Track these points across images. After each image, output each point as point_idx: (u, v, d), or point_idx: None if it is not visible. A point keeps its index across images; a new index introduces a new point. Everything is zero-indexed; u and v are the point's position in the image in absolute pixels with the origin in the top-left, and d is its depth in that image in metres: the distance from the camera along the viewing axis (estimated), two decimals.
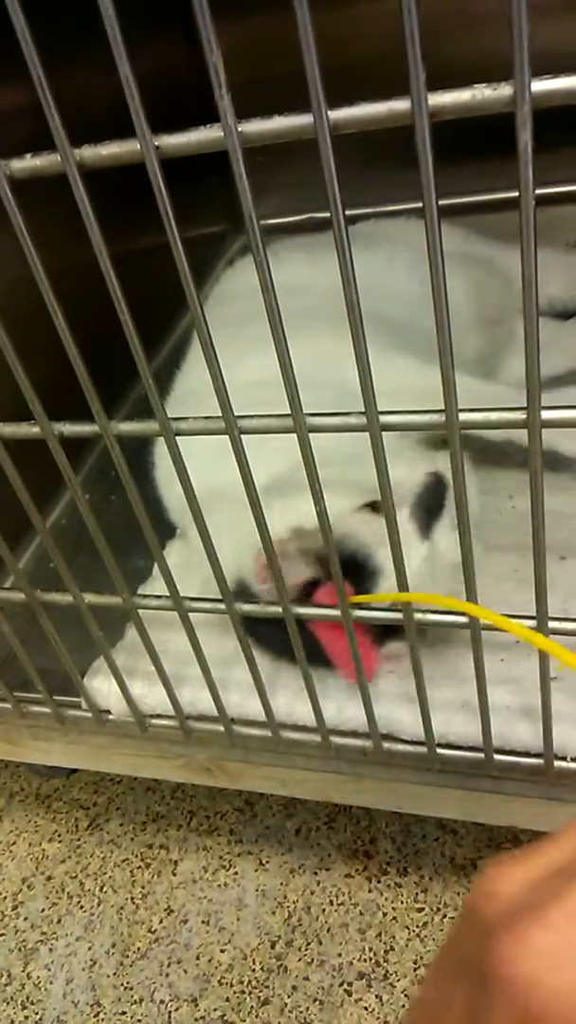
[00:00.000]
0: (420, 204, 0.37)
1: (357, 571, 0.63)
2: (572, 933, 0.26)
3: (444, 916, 0.80)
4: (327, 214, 0.38)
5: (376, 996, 0.77)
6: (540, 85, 0.32)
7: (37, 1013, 0.84)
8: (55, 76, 0.37)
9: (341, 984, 0.78)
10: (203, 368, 0.46)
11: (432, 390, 0.40)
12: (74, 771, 1.06)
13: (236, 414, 0.47)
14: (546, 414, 0.41)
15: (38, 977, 0.87)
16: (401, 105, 0.34)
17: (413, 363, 0.74)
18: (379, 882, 0.85)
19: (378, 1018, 0.75)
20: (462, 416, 0.42)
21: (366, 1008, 0.76)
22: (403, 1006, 0.76)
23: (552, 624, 0.51)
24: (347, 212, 1.12)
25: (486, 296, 0.95)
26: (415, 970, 0.78)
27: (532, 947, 0.26)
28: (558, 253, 1.10)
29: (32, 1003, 0.85)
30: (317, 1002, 0.78)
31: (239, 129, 0.36)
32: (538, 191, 1.28)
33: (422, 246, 0.37)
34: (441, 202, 1.24)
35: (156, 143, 0.38)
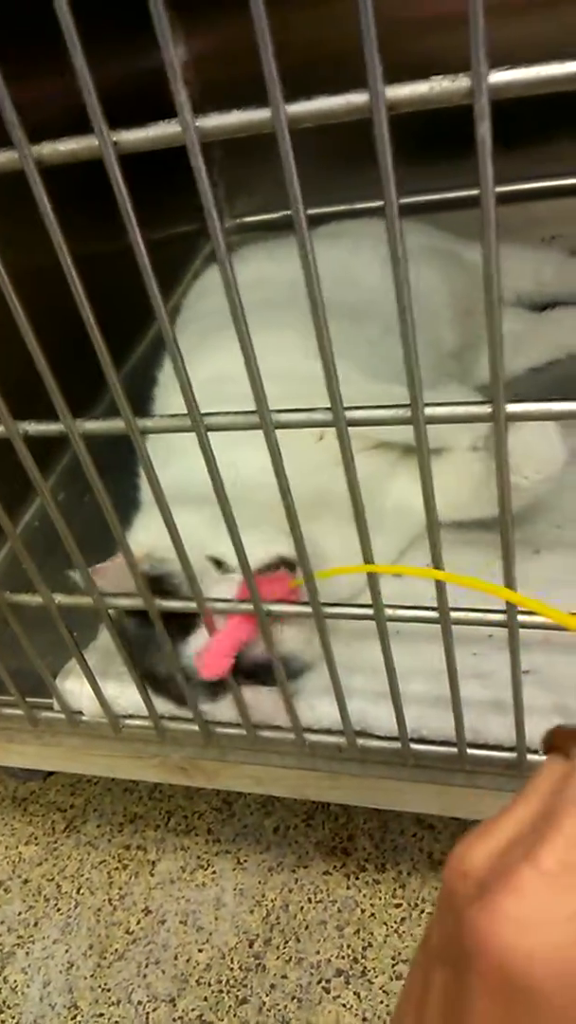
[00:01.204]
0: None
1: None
2: (541, 894, 0.26)
3: (422, 912, 0.81)
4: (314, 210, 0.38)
5: (354, 993, 0.77)
6: (497, 76, 0.32)
7: (14, 1017, 0.84)
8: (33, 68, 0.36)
9: (319, 982, 0.78)
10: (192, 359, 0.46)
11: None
12: (51, 774, 1.06)
13: (220, 406, 0.46)
14: (511, 407, 0.40)
15: (15, 981, 0.87)
16: (359, 98, 0.34)
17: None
18: (357, 879, 0.85)
19: (356, 1015, 0.75)
20: (427, 411, 0.42)
21: (344, 1005, 0.76)
22: (381, 1002, 0.76)
23: (522, 617, 0.51)
24: (321, 210, 1.13)
25: (456, 288, 0.96)
26: (393, 966, 0.78)
27: (502, 915, 0.26)
28: (532, 250, 1.10)
29: (9, 1007, 0.85)
30: (295, 1000, 0.78)
31: (196, 124, 0.36)
32: (516, 187, 1.28)
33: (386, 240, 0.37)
34: (414, 199, 1.24)
35: (114, 139, 0.38)
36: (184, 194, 0.38)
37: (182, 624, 0.64)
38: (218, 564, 0.70)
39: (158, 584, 0.64)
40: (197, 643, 0.64)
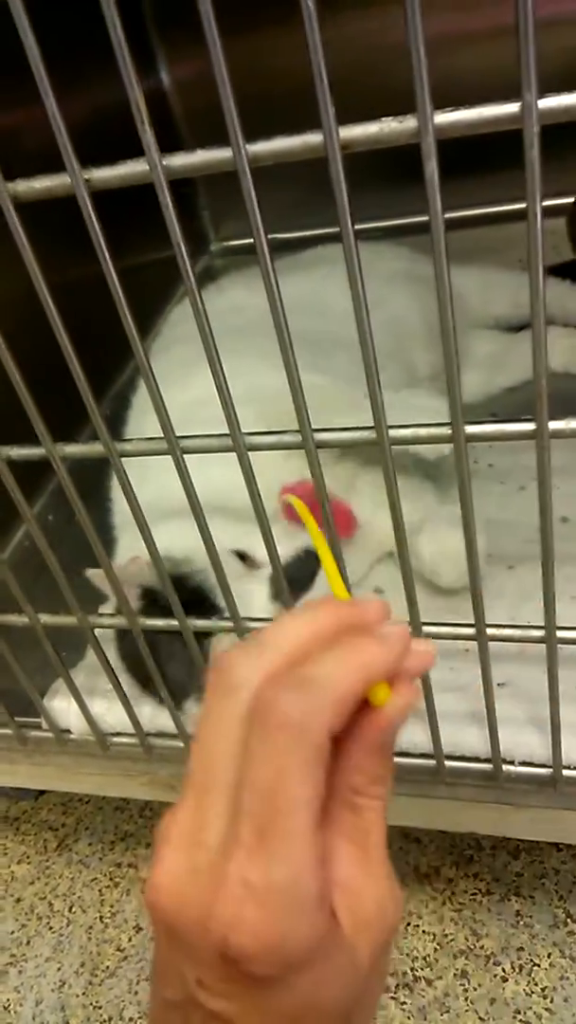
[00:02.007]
0: (373, 224, 0.39)
1: (197, 604, 0.67)
2: (172, 858, 0.30)
3: (408, 924, 0.81)
4: (288, 234, 0.40)
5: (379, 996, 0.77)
6: (443, 117, 0.34)
7: None
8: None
9: None
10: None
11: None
12: (42, 793, 1.07)
13: (194, 431, 0.48)
14: (470, 428, 0.42)
15: (7, 1000, 0.87)
16: (314, 139, 0.36)
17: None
18: None
19: None
20: (391, 432, 0.44)
21: None
22: None
23: (491, 631, 0.52)
24: (302, 233, 1.15)
25: (433, 312, 0.97)
26: None
27: (154, 872, 0.30)
28: (508, 272, 1.13)
29: None
30: None
31: (163, 163, 0.38)
32: (491, 209, 1.30)
33: (367, 265, 0.39)
34: (387, 223, 1.25)
35: (86, 176, 0.39)
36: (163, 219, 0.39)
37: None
38: (242, 558, 0.72)
39: (179, 582, 0.67)
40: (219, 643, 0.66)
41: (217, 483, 0.55)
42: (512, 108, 0.33)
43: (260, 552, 0.60)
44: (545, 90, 0.33)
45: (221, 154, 0.37)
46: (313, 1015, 0.29)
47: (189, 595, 0.66)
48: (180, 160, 0.38)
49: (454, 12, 1.12)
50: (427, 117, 0.34)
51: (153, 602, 0.68)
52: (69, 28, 0.78)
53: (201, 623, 0.60)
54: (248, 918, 0.28)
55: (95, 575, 0.64)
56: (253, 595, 0.70)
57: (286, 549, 0.70)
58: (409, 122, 0.34)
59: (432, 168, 0.35)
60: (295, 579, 0.69)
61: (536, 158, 0.33)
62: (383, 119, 0.35)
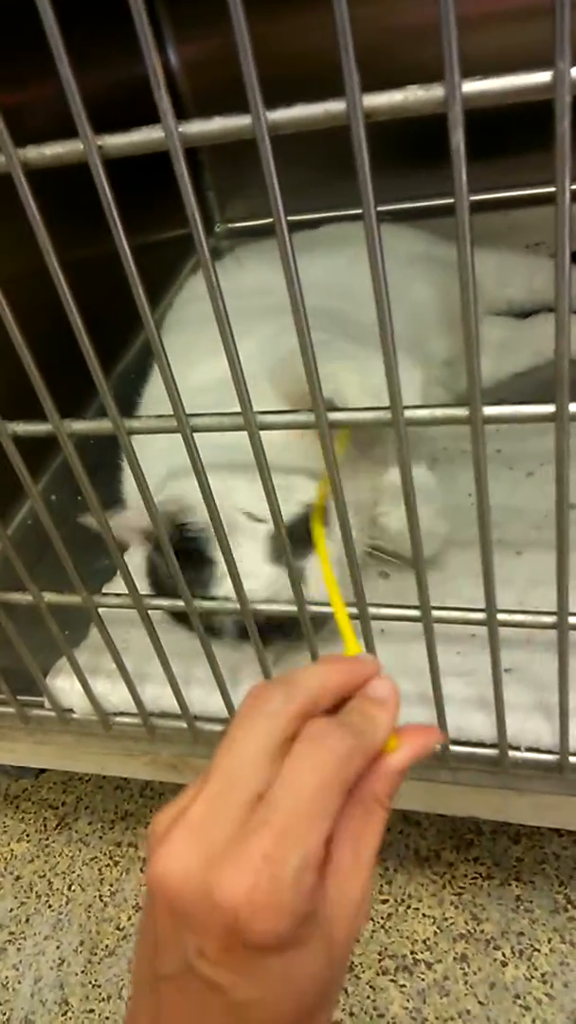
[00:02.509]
0: (389, 207, 0.38)
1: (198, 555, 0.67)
2: (184, 842, 0.34)
3: (408, 908, 0.81)
4: (297, 216, 0.39)
5: (342, 988, 0.78)
6: (472, 86, 0.33)
7: (4, 1013, 0.84)
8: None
9: None
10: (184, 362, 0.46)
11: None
12: (43, 771, 1.07)
13: (205, 409, 0.47)
14: (488, 410, 0.41)
15: (6, 977, 0.87)
16: (337, 106, 0.35)
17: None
18: None
19: (343, 1010, 0.76)
20: (407, 413, 0.43)
21: None
22: (368, 998, 0.76)
23: (501, 616, 0.51)
24: (317, 215, 1.13)
25: (451, 296, 0.97)
26: (380, 962, 0.78)
27: (162, 853, 0.34)
28: (525, 256, 1.11)
29: (0, 1003, 0.85)
30: None
31: (179, 130, 0.37)
32: (501, 194, 1.29)
33: (387, 248, 0.38)
34: (406, 205, 1.24)
35: (99, 143, 0.38)
36: (177, 198, 0.38)
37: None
38: (252, 518, 0.71)
39: (182, 532, 0.68)
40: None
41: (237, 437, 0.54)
42: (544, 77, 0.32)
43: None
44: None
45: (239, 121, 0.36)
46: (297, 987, 0.33)
47: (189, 545, 0.68)
48: (197, 127, 0.37)
49: None
50: (455, 84, 0.33)
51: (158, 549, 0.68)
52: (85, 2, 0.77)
53: (208, 604, 0.60)
54: (262, 887, 0.31)
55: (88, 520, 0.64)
56: (250, 554, 0.69)
57: (288, 505, 0.69)
58: (436, 90, 0.33)
59: (459, 139, 0.34)
60: (300, 537, 0.68)
61: (567, 130, 0.32)
62: (408, 87, 0.34)
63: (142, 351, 1.15)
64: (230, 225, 1.48)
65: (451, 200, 0.35)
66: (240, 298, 0.88)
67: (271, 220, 0.39)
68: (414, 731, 0.41)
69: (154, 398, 0.92)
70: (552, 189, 0.34)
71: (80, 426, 0.51)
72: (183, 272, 1.28)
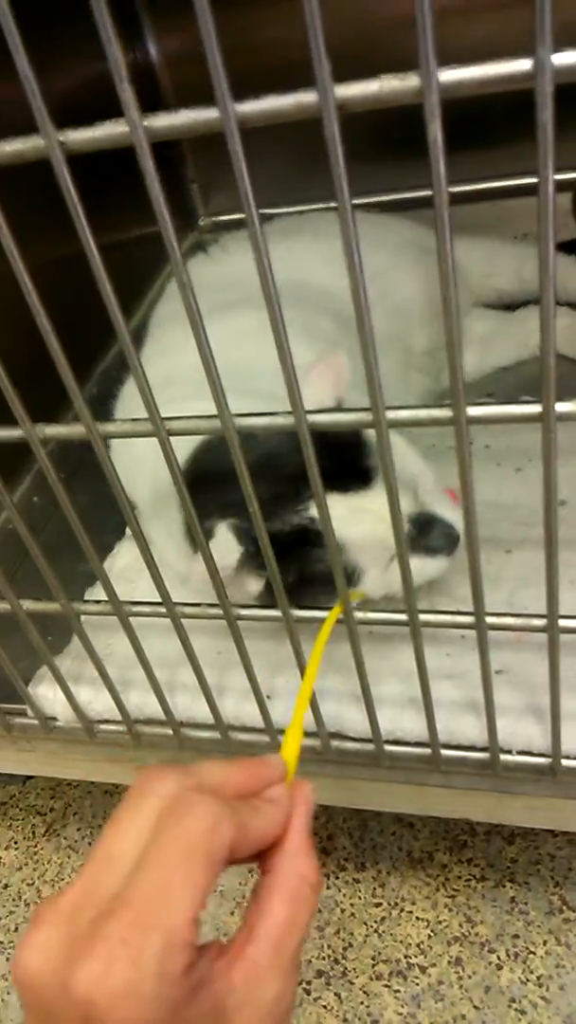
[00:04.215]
0: (379, 197, 0.36)
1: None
2: (47, 929, 0.32)
3: (401, 911, 0.80)
4: (276, 210, 0.37)
5: (335, 994, 0.76)
6: (449, 75, 0.31)
7: None
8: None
9: (300, 984, 0.78)
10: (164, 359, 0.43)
11: None
12: (30, 777, 1.05)
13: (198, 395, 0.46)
14: (472, 410, 0.40)
15: None
16: (308, 97, 0.33)
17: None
18: (337, 878, 0.85)
19: (337, 1016, 0.75)
20: (389, 415, 0.41)
21: (325, 1007, 0.76)
22: (362, 1003, 0.75)
23: (490, 619, 0.50)
24: (295, 208, 1.10)
25: (434, 287, 0.95)
26: (373, 966, 0.77)
27: (24, 944, 0.32)
28: (507, 245, 1.10)
29: None
30: None
31: (144, 124, 0.35)
32: (490, 184, 1.27)
33: (371, 238, 0.36)
34: (397, 196, 1.22)
35: (61, 139, 0.37)
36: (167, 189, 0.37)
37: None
38: None
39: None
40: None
41: (245, 361, 0.52)
42: (524, 65, 0.31)
43: None
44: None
45: (207, 114, 0.34)
46: None
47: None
48: (163, 121, 0.35)
49: None
50: (431, 73, 0.31)
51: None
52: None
53: (191, 610, 0.58)
54: (119, 975, 0.29)
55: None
56: None
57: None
58: (411, 80, 0.32)
59: (436, 131, 0.32)
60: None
61: (549, 120, 0.31)
62: (383, 76, 0.32)
63: (134, 345, 1.13)
64: (214, 219, 1.46)
65: (449, 190, 0.34)
66: (225, 288, 0.86)
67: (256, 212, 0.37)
68: (295, 796, 0.39)
69: (131, 393, 0.90)
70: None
71: (53, 431, 0.49)
72: (165, 268, 1.26)
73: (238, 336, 0.66)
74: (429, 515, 0.66)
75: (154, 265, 1.24)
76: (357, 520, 0.63)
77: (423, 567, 0.66)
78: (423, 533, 0.66)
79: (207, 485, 0.61)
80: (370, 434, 0.63)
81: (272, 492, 0.56)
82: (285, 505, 0.63)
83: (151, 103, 0.35)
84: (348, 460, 0.64)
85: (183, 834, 0.32)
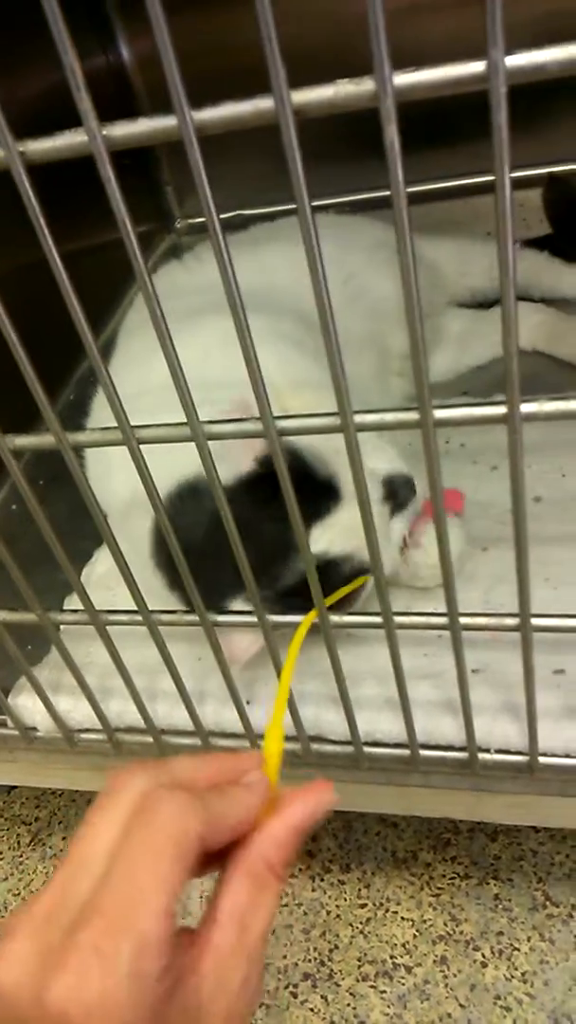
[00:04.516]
0: (351, 197, 0.36)
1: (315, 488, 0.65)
2: (21, 936, 0.31)
3: (387, 911, 0.80)
4: (253, 211, 0.37)
5: (321, 996, 0.76)
6: (403, 78, 0.32)
7: None
8: None
9: (287, 987, 0.78)
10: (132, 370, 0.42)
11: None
12: (14, 787, 1.04)
13: (168, 405, 0.45)
14: (439, 413, 0.40)
15: None
16: (265, 103, 0.33)
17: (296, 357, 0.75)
18: (322, 880, 0.85)
19: (324, 1018, 0.75)
20: (356, 419, 0.41)
21: (312, 1009, 0.76)
22: (348, 1005, 0.75)
23: (464, 620, 0.50)
24: (273, 209, 1.10)
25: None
26: (359, 967, 0.77)
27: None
28: (478, 243, 1.10)
29: None
30: (263, 1007, 0.77)
31: (104, 133, 0.35)
32: (459, 182, 1.27)
33: (344, 240, 0.36)
34: (367, 195, 1.22)
35: (21, 148, 0.37)
36: (134, 195, 0.37)
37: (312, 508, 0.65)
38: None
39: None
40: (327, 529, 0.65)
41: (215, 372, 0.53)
42: (478, 67, 0.31)
43: None
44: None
45: (166, 122, 0.34)
46: None
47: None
48: (122, 130, 0.35)
49: None
50: (386, 77, 0.31)
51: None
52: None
53: (168, 617, 0.58)
54: (93, 986, 0.28)
55: None
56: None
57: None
58: (366, 84, 0.32)
59: (392, 134, 0.32)
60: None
61: (504, 122, 0.31)
62: (338, 81, 0.32)
63: (105, 352, 1.12)
64: (190, 221, 1.45)
65: (422, 188, 0.34)
66: (202, 293, 0.86)
67: (232, 215, 0.37)
68: (303, 791, 0.38)
69: (103, 400, 0.90)
70: (515, 175, 0.32)
71: (24, 441, 0.49)
72: (151, 263, 1.26)
73: (208, 346, 0.66)
74: (392, 475, 0.70)
75: (132, 269, 1.24)
76: (346, 538, 0.65)
77: (400, 527, 0.70)
78: (391, 492, 0.69)
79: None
80: (309, 444, 0.65)
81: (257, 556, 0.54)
82: (276, 563, 0.64)
83: (124, 105, 0.35)
84: (306, 482, 0.65)
85: (151, 835, 0.32)
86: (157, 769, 0.36)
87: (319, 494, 0.66)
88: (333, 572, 0.65)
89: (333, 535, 0.66)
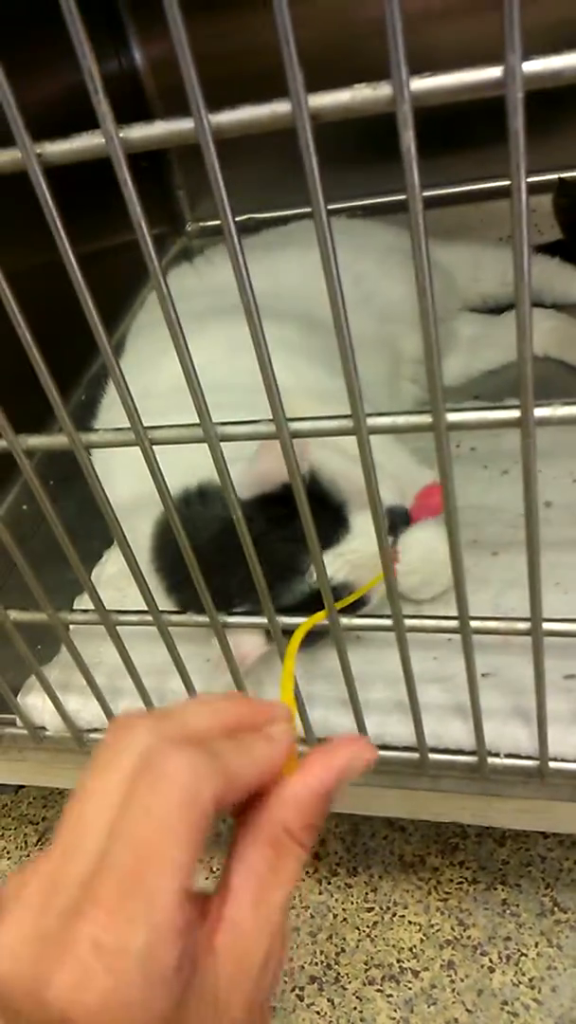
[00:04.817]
0: (364, 201, 0.36)
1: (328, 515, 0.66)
2: (26, 907, 0.28)
3: (394, 915, 0.80)
4: (266, 214, 0.37)
5: (328, 1000, 0.76)
6: (420, 83, 0.32)
7: None
8: None
9: (293, 990, 0.78)
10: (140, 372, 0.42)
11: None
12: (22, 787, 1.05)
13: (179, 408, 0.45)
14: (451, 416, 0.40)
15: None
16: (282, 107, 0.33)
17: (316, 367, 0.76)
18: (329, 883, 0.84)
19: (330, 1022, 0.75)
20: (369, 421, 0.42)
21: (318, 1013, 0.76)
22: (355, 1008, 0.75)
23: (475, 624, 0.50)
24: (286, 212, 1.10)
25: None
26: (366, 971, 0.77)
27: None
28: (490, 249, 1.10)
29: None
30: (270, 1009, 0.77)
31: (121, 135, 0.35)
32: (472, 187, 1.27)
33: (357, 244, 0.36)
34: (384, 199, 1.22)
35: (38, 151, 0.37)
36: (147, 198, 0.37)
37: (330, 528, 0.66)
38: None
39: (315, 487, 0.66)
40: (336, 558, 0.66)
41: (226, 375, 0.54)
42: (495, 72, 0.31)
43: None
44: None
45: (182, 125, 0.35)
46: None
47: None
48: (138, 132, 0.35)
49: None
50: (403, 82, 0.31)
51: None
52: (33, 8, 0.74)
53: (178, 618, 0.58)
54: (95, 986, 0.25)
55: None
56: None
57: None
58: (383, 89, 0.32)
59: (409, 139, 0.32)
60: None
61: (520, 127, 0.31)
62: (355, 86, 0.32)
63: (116, 352, 1.13)
64: (201, 224, 1.46)
65: (434, 192, 0.34)
66: (211, 296, 0.86)
67: (244, 218, 0.37)
68: (333, 747, 0.33)
69: (111, 402, 0.90)
70: (530, 179, 0.33)
71: (36, 442, 0.49)
72: (163, 264, 1.26)
73: (215, 349, 0.66)
74: (392, 507, 0.71)
75: (144, 269, 1.24)
76: (351, 569, 0.67)
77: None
78: (392, 524, 0.71)
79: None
80: (331, 474, 0.67)
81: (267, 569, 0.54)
82: (277, 583, 0.65)
83: (137, 109, 0.35)
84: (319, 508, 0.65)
85: (157, 804, 0.28)
86: (163, 719, 0.31)
87: (328, 523, 0.67)
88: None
89: (340, 564, 0.67)
